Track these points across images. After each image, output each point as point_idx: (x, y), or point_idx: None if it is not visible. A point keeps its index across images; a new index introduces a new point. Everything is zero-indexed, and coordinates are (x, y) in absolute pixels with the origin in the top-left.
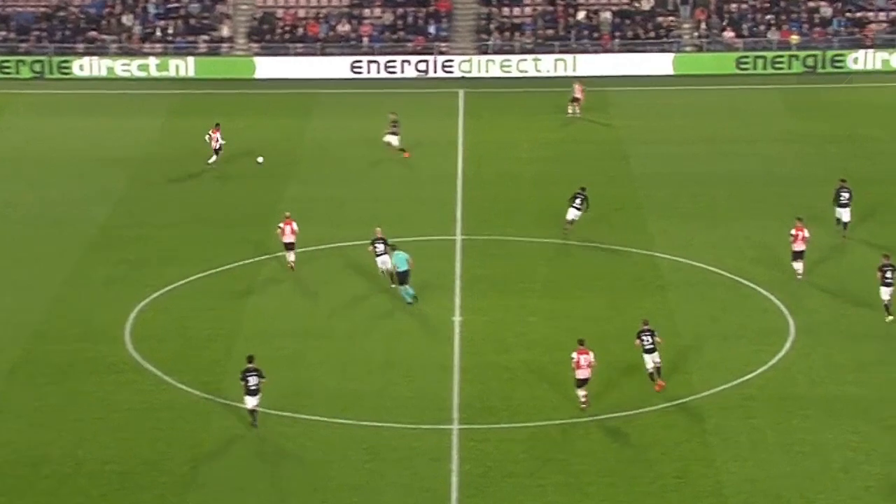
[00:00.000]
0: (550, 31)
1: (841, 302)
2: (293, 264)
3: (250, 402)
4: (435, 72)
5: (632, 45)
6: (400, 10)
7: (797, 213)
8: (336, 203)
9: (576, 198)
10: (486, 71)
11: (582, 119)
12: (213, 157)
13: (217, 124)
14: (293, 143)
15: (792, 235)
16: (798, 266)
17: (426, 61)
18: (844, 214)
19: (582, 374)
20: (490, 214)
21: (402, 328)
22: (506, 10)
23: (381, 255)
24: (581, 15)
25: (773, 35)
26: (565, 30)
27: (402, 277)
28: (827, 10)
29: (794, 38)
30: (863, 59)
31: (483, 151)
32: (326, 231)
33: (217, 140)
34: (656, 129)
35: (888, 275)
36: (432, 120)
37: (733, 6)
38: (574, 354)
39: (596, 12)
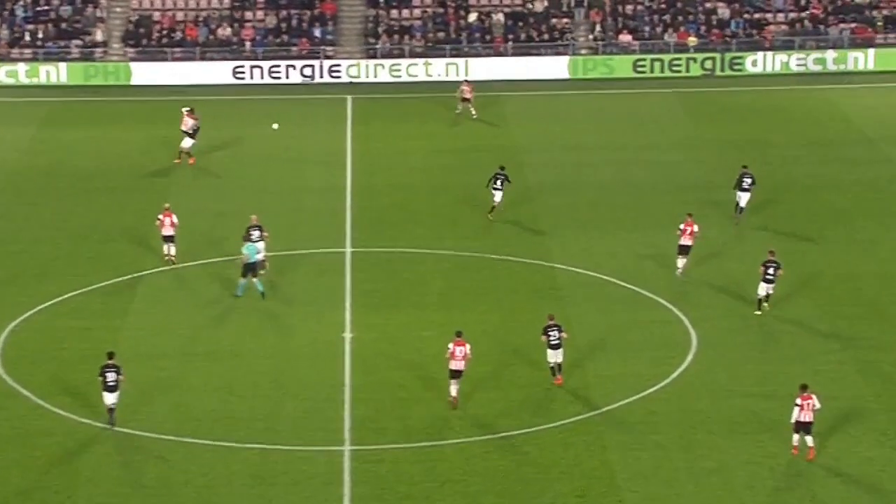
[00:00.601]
0: (441, 34)
1: (743, 313)
2: (173, 258)
3: (109, 398)
4: (321, 77)
5: (525, 48)
6: (283, 13)
7: (698, 221)
8: (219, 216)
9: (495, 179)
10: (375, 76)
11: (476, 125)
12: (191, 142)
13: (190, 109)
14: (172, 154)
15: (680, 230)
16: (680, 262)
17: (312, 66)
18: (743, 199)
19: (456, 365)
20: (381, 226)
21: (291, 346)
22: (394, 13)
23: (256, 242)
24: (472, 17)
25: (671, 37)
26: (456, 32)
27: (250, 268)
28: (725, 12)
29: (692, 40)
30: (761, 62)
31: (373, 160)
32: (208, 245)
33: (190, 124)
34: (552, 135)
35: (770, 271)
36: (319, 128)
37: (629, 7)
38: (450, 345)
39: (488, 14)
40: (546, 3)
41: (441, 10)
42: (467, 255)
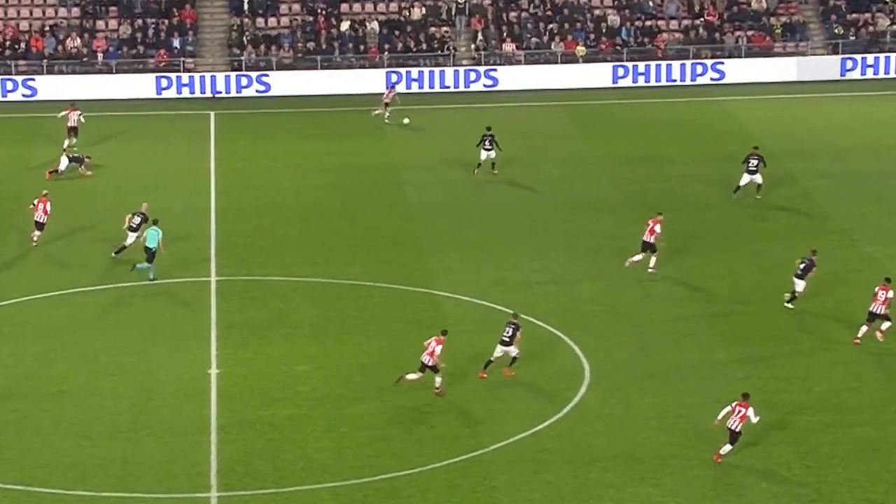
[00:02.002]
0: (311, 44)
1: (638, 341)
2: (36, 241)
3: None
4: (181, 91)
5: (402, 59)
6: (139, 22)
7: (591, 242)
8: (70, 242)
9: (484, 140)
10: (240, 89)
11: (352, 141)
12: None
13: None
14: (17, 175)
15: (648, 226)
16: (636, 257)
17: (170, 79)
18: (744, 179)
19: (427, 359)
20: (249, 252)
21: (151, 384)
22: (260, 21)
23: (135, 230)
24: (345, 26)
25: (557, 47)
26: (328, 42)
27: (148, 255)
28: (615, 19)
29: (580, 50)
30: (654, 72)
31: (239, 180)
32: (60, 275)
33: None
34: (434, 152)
35: (801, 267)
36: (180, 146)
37: (513, 15)
38: (431, 340)
39: (362, 22)
40: (424, 11)
41: (311, 19)
42: (342, 282)
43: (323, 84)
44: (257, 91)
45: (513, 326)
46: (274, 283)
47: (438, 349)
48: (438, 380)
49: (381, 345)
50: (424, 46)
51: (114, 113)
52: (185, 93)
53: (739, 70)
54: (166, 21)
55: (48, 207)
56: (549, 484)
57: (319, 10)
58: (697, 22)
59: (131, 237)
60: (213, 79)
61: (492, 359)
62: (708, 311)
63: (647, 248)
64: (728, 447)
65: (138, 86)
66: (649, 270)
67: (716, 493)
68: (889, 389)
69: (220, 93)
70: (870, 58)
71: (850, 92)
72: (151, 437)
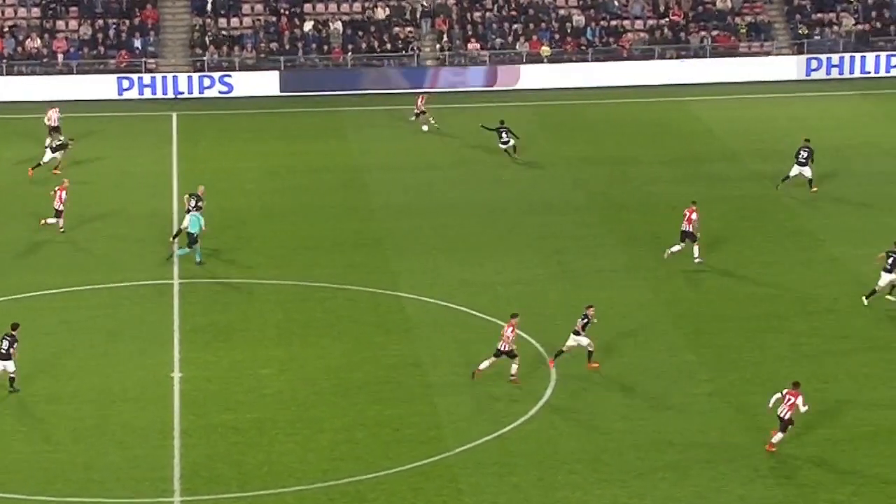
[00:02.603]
0: (274, 45)
1: (604, 342)
2: (62, 228)
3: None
4: (142, 92)
5: (367, 59)
6: (100, 22)
7: (557, 243)
8: (32, 245)
9: (499, 133)
10: (203, 90)
11: (316, 143)
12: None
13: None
14: None
15: (685, 216)
16: (675, 248)
17: (132, 80)
18: (794, 170)
19: (503, 346)
20: (213, 254)
21: (114, 388)
22: (222, 21)
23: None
24: (308, 26)
25: (522, 47)
26: (291, 43)
27: (190, 240)
28: (580, 19)
29: (545, 50)
30: (619, 72)
31: (202, 182)
32: (24, 277)
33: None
34: (397, 153)
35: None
36: (142, 147)
37: (477, 15)
38: (506, 326)
39: (325, 23)
40: (388, 11)
41: (273, 19)
42: (307, 284)
43: (287, 84)
44: (220, 92)
45: (584, 318)
46: (238, 286)
47: (510, 333)
48: (514, 367)
49: (346, 347)
50: (389, 46)
51: (75, 114)
52: (147, 94)
53: (704, 70)
54: (127, 21)
55: (63, 195)
56: (515, 487)
57: (282, 11)
58: (662, 22)
59: (187, 220)
60: (176, 79)
61: (563, 349)
62: (674, 312)
63: (687, 237)
64: (779, 435)
65: (99, 87)
66: (696, 260)
67: (681, 495)
68: (853, 390)
69: (183, 93)
70: (835, 58)
71: (814, 92)
72: (114, 442)
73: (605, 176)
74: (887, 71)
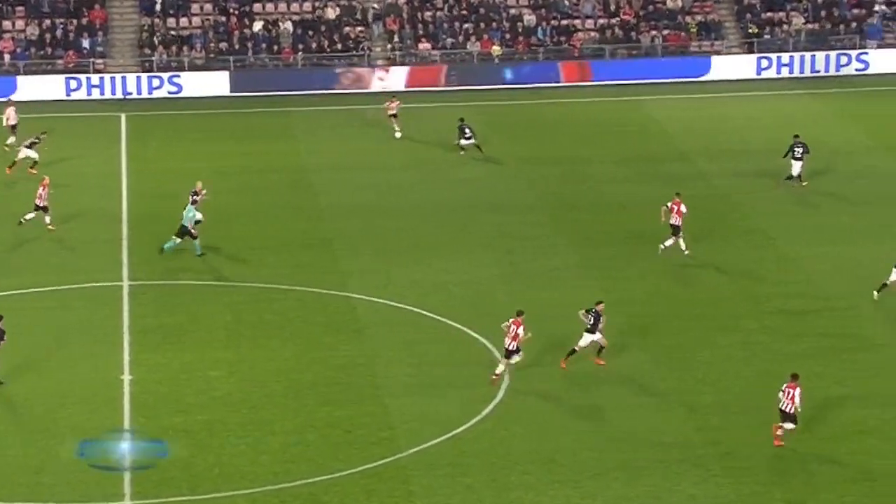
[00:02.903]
0: (223, 45)
1: (556, 343)
2: (26, 220)
3: None
4: (90, 93)
5: (317, 59)
6: (47, 22)
7: (508, 244)
8: None
9: (463, 129)
10: (151, 91)
11: (265, 144)
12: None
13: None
14: None
15: (668, 207)
16: (669, 241)
17: (80, 80)
18: (795, 167)
19: (512, 344)
20: (162, 256)
21: (63, 390)
22: (171, 21)
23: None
24: (258, 26)
25: (473, 46)
26: (241, 42)
27: (182, 231)
28: (531, 19)
29: (496, 50)
30: (570, 71)
31: (152, 183)
32: None
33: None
34: (347, 153)
35: None
36: (90, 148)
37: (428, 14)
38: (508, 322)
39: (275, 22)
40: (338, 11)
41: (223, 19)
42: (256, 285)
43: (235, 85)
44: (169, 92)
45: (594, 314)
46: (187, 288)
47: (521, 331)
48: (501, 367)
49: (297, 348)
50: (339, 46)
51: (22, 115)
52: (96, 94)
53: (656, 69)
54: (75, 21)
55: (42, 192)
56: (467, 488)
57: (231, 10)
58: (613, 21)
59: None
60: (124, 80)
61: (576, 348)
62: (626, 312)
63: (676, 231)
64: (790, 425)
65: (47, 87)
66: (685, 253)
67: (634, 494)
68: (805, 389)
69: (131, 94)
70: (785, 56)
71: (765, 91)
72: (63, 445)
73: (557, 176)
74: (837, 70)
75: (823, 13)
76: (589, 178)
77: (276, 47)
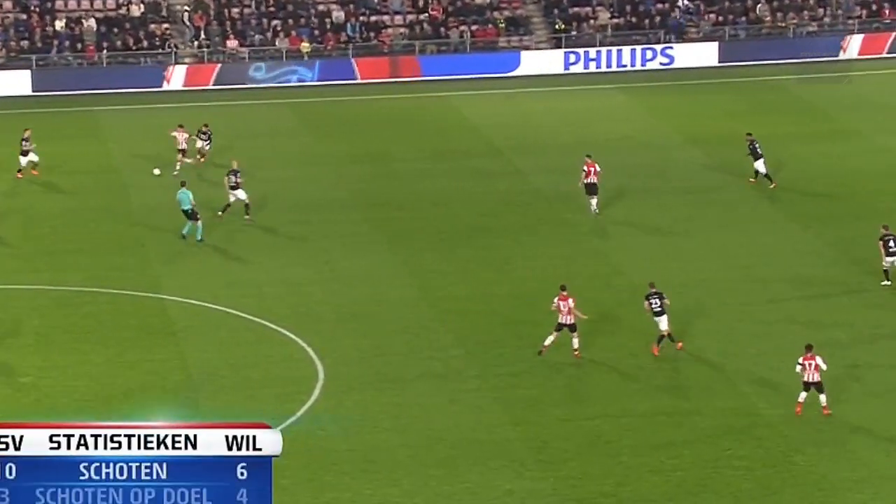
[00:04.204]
0: (25, 43)
1: (372, 342)
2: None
3: None
4: None
5: (122, 57)
6: None
7: (321, 242)
8: None
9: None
10: None
11: (73, 142)
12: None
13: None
14: None
15: (584, 171)
16: (593, 201)
17: None
18: (761, 165)
19: (564, 318)
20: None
21: None
22: None
23: (234, 188)
24: (60, 24)
25: (282, 43)
26: (43, 41)
27: (189, 215)
28: (339, 15)
29: (305, 46)
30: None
31: None
32: None
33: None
34: (156, 154)
35: (891, 244)
36: None
37: (235, 11)
38: (555, 299)
39: (78, 20)
40: (143, 8)
41: (24, 17)
42: (67, 289)
43: (37, 84)
44: None
45: (657, 296)
46: None
47: (572, 303)
48: (576, 341)
49: (109, 353)
50: (145, 44)
51: None
52: None
53: (465, 65)
54: None
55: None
56: (284, 489)
57: (32, 8)
58: (422, 17)
59: (232, 196)
60: None
61: (663, 332)
62: (441, 308)
63: (593, 189)
64: (822, 397)
65: None
66: (594, 211)
67: (452, 491)
68: (617, 381)
69: None
70: (592, 52)
71: (573, 86)
72: None
73: (367, 172)
74: (643, 64)
75: (628, 8)
76: (398, 174)
77: (79, 45)
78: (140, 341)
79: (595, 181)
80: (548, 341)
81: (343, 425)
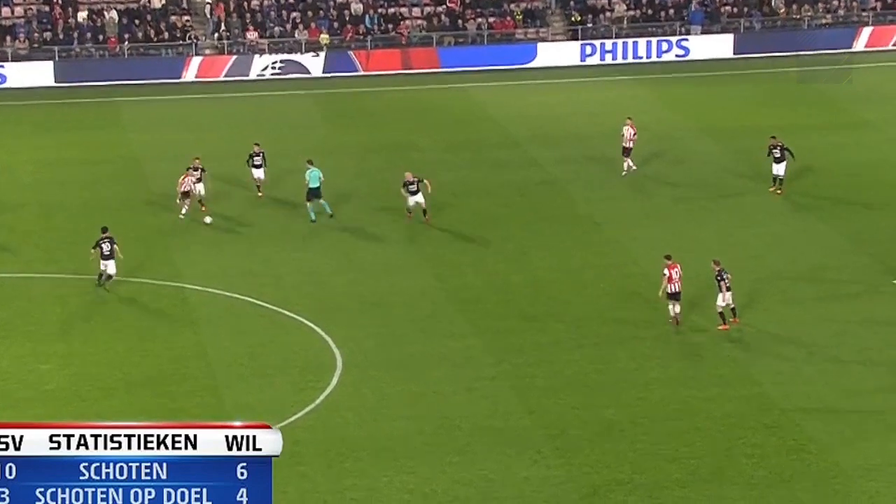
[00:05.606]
0: (48, 34)
1: (390, 331)
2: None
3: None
4: None
5: (143, 49)
6: None
7: (340, 232)
8: None
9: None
10: None
11: (91, 133)
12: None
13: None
14: None
15: (624, 135)
16: (628, 162)
17: None
18: (780, 170)
19: (674, 287)
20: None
21: None
22: None
23: (415, 193)
24: (83, 15)
25: (302, 35)
26: (65, 33)
27: (314, 193)
28: (358, 7)
29: (324, 38)
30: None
31: None
32: None
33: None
34: (175, 143)
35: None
36: None
37: (255, 3)
38: (665, 270)
39: (100, 12)
40: (164, 0)
41: (46, 9)
42: (87, 277)
43: (60, 75)
44: None
45: (720, 270)
46: (15, 281)
47: (675, 273)
48: (678, 308)
49: (129, 341)
50: (166, 36)
51: None
52: None
53: (482, 56)
54: None
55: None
56: (303, 476)
57: (55, 0)
58: (440, 9)
59: (414, 200)
60: None
61: (730, 306)
62: (458, 298)
63: (628, 152)
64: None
65: None
66: (629, 171)
67: (468, 478)
68: (632, 370)
69: None
70: (608, 43)
71: (589, 78)
72: None
73: (387, 163)
74: (658, 56)
75: (644, 0)
76: (418, 165)
77: (101, 37)
78: (160, 329)
79: (630, 146)
80: (672, 312)
81: (361, 413)
